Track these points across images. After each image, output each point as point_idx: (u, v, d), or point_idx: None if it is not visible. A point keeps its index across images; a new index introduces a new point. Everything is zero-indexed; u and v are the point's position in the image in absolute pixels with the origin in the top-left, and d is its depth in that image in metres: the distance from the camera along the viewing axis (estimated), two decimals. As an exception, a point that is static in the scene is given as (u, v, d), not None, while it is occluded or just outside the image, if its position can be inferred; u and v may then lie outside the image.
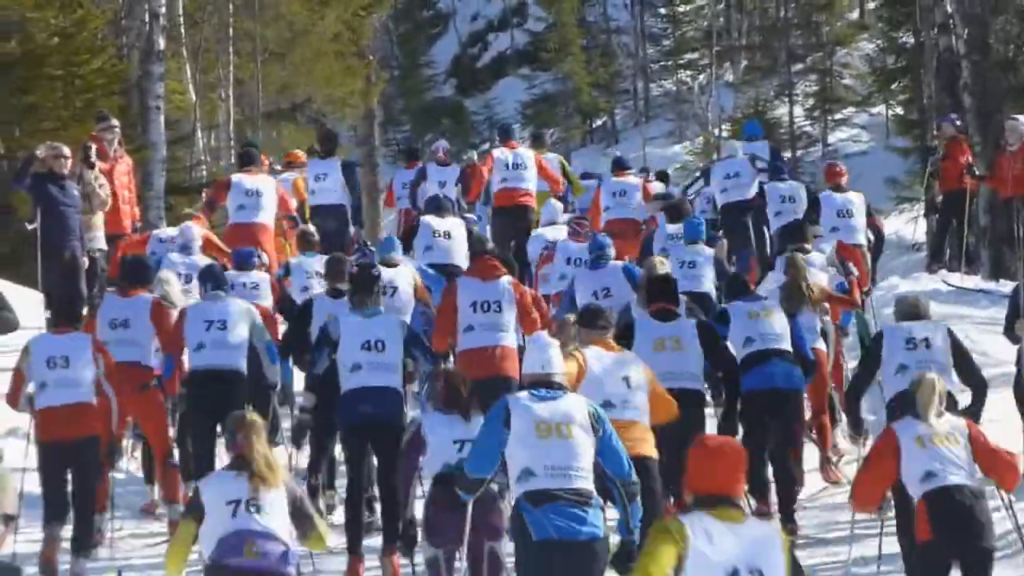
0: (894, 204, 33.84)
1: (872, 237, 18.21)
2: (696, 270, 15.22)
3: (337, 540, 11.44)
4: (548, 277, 16.48)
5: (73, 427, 11.78)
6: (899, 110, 36.86)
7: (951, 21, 25.78)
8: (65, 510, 11.78)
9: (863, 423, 12.23)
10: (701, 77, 43.63)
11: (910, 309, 12.14)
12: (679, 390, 11.10)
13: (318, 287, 14.76)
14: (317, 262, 15.45)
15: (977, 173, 20.15)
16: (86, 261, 16.43)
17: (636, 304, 13.12)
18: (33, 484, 11.93)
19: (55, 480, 11.81)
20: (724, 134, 38.22)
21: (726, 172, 19.15)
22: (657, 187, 20.29)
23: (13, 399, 12.13)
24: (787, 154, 35.94)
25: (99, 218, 16.97)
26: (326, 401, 11.92)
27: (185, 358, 12.83)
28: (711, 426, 12.05)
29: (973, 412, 11.30)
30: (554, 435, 8.61)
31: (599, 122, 45.26)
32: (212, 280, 13.09)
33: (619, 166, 19.74)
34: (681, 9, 44.65)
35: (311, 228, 16.84)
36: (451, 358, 13.09)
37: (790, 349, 12.57)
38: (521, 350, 12.14)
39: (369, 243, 18.48)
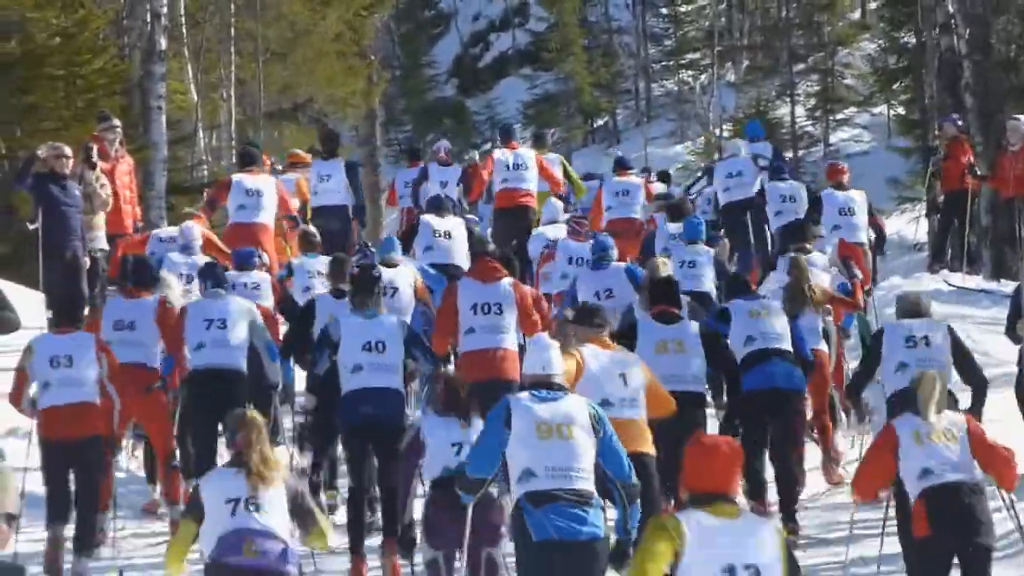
0: (895, 204, 33.82)
1: (873, 236, 18.21)
2: (696, 269, 15.24)
3: (339, 540, 11.44)
4: (549, 275, 16.48)
5: (76, 426, 11.79)
6: (901, 110, 36.85)
7: (953, 21, 25.80)
8: (68, 509, 11.79)
9: (866, 408, 12.25)
10: (703, 77, 43.60)
11: (911, 307, 12.14)
12: (681, 392, 11.12)
13: (320, 287, 14.77)
14: (319, 262, 15.47)
15: (979, 173, 20.14)
16: (87, 261, 16.44)
17: (639, 305, 13.13)
18: (35, 484, 11.94)
19: (58, 479, 11.82)
20: (725, 134, 38.22)
21: (728, 171, 19.16)
22: (657, 188, 20.30)
23: (16, 398, 12.13)
24: (788, 154, 35.93)
25: (100, 218, 16.97)
26: (327, 402, 11.92)
27: (186, 352, 12.85)
28: (712, 427, 12.05)
29: (974, 411, 11.31)
30: (555, 436, 8.61)
31: (600, 122, 45.24)
32: (212, 278, 13.11)
33: (621, 166, 19.75)
34: (683, 9, 44.61)
35: (312, 229, 16.85)
36: (452, 361, 13.10)
37: (791, 348, 12.57)
38: (522, 350, 12.15)
39: (370, 244, 18.48)
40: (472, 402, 10.06)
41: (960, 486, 9.39)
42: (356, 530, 11.57)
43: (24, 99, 23.28)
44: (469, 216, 18.12)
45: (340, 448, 12.60)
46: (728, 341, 12.37)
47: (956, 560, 9.48)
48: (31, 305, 15.64)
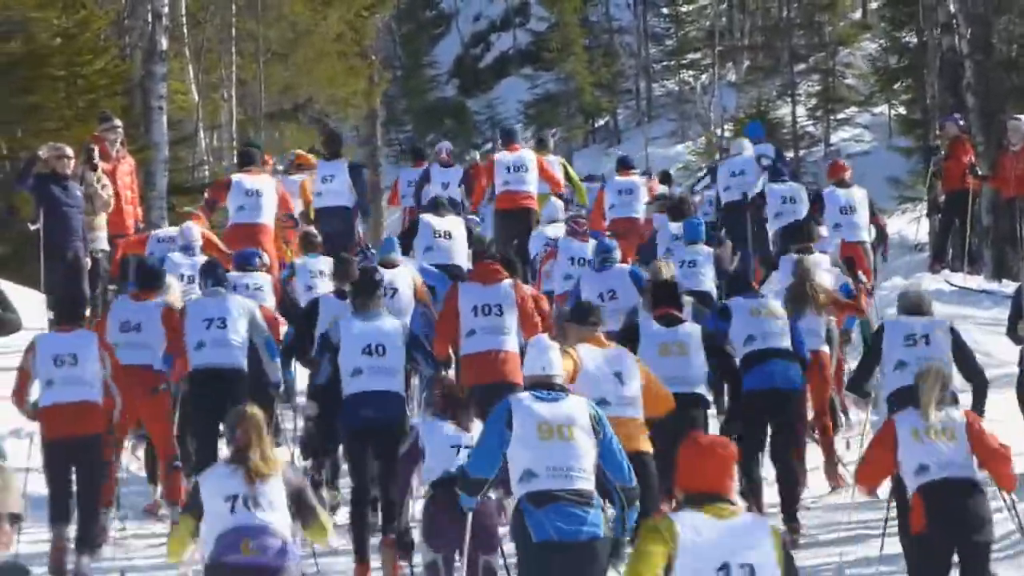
0: (897, 204, 33.80)
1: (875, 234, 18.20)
2: (696, 269, 15.29)
3: (340, 540, 11.44)
4: (551, 274, 16.49)
5: (79, 424, 11.80)
6: (902, 110, 36.84)
7: (954, 21, 25.79)
8: (70, 509, 11.79)
9: (870, 401, 12.29)
10: (703, 77, 43.62)
11: (912, 304, 12.13)
12: (683, 395, 11.14)
13: (322, 287, 14.78)
14: (321, 263, 15.48)
15: (980, 173, 20.14)
16: (89, 262, 16.44)
17: (642, 307, 13.14)
18: (36, 484, 11.94)
19: (60, 478, 11.82)
20: (726, 134, 38.24)
21: (731, 170, 19.18)
22: (658, 188, 20.31)
23: (18, 397, 12.14)
24: (789, 154, 35.93)
25: (102, 219, 16.98)
26: (328, 406, 11.92)
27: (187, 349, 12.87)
28: (713, 427, 12.06)
29: (975, 411, 11.29)
30: (556, 436, 8.62)
31: (601, 122, 45.27)
32: (212, 276, 13.12)
33: (624, 165, 19.76)
34: (683, 9, 44.64)
35: (312, 229, 16.85)
36: (453, 364, 13.10)
37: (790, 348, 12.58)
38: (522, 350, 12.15)
39: (370, 245, 18.49)
40: (471, 408, 10.07)
41: (958, 483, 9.41)
42: (359, 533, 11.49)
43: (26, 99, 23.28)
44: (470, 216, 18.13)
45: (342, 450, 12.60)
46: (728, 338, 12.42)
47: (956, 560, 9.49)
48: (32, 306, 15.65)
